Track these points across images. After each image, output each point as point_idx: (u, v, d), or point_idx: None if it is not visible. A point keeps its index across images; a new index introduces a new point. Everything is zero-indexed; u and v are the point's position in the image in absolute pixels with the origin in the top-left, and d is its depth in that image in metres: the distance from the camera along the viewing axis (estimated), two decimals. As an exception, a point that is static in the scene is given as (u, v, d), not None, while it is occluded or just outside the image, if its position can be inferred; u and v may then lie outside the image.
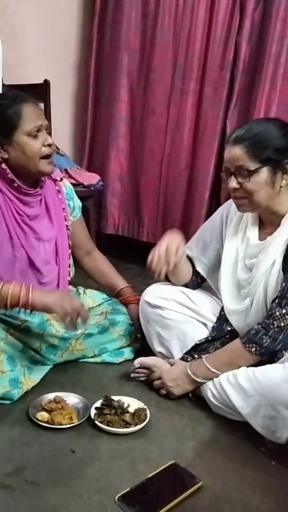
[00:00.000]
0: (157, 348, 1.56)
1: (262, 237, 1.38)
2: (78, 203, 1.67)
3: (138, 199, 2.63)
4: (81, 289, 1.75)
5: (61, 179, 1.60)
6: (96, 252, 1.78)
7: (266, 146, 1.25)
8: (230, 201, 1.46)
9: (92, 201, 2.52)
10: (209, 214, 2.37)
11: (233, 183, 1.29)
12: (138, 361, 1.45)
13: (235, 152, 1.27)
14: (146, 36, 2.42)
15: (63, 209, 1.57)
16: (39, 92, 2.31)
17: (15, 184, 1.38)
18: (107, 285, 1.76)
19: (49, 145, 1.37)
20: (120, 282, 1.75)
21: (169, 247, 1.38)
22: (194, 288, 1.60)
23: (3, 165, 1.36)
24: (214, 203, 2.38)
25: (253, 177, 1.26)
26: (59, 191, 1.56)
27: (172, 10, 2.32)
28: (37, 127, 1.34)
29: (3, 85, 2.28)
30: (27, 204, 1.43)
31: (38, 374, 1.46)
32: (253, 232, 1.39)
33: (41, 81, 2.35)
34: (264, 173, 1.27)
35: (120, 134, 2.58)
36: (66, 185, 1.62)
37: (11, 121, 1.32)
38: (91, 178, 2.47)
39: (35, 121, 1.34)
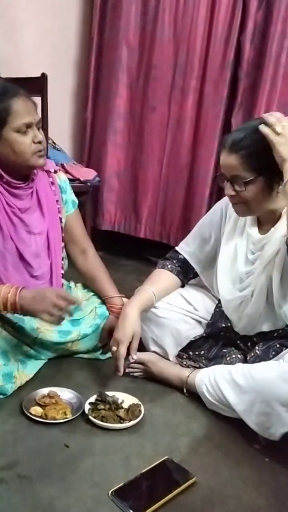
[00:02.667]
0: (152, 347, 1.55)
1: (262, 233, 1.37)
2: (71, 197, 1.63)
3: (136, 196, 2.62)
4: (72, 283, 1.73)
5: (56, 171, 1.56)
6: (91, 253, 1.68)
7: (264, 156, 1.21)
8: (227, 197, 1.46)
9: (88, 196, 2.51)
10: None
11: (229, 190, 1.28)
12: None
13: (231, 161, 1.24)
14: (146, 32, 2.42)
15: (57, 201, 1.53)
16: (36, 86, 2.29)
17: (4, 179, 1.36)
18: (97, 291, 1.69)
19: (39, 142, 1.33)
20: (110, 291, 1.65)
21: (119, 351, 1.35)
22: (186, 283, 1.61)
23: None
24: (214, 201, 2.38)
25: (249, 186, 1.24)
26: (52, 183, 1.53)
27: (173, 7, 2.32)
28: (27, 124, 1.30)
29: (0, 78, 2.27)
30: (17, 196, 1.40)
31: (32, 369, 1.45)
32: (254, 229, 1.38)
33: (39, 75, 2.34)
34: (261, 182, 1.24)
35: (117, 130, 2.57)
36: (61, 178, 1.58)
37: (0, 117, 1.28)
38: (88, 174, 2.46)
39: (24, 118, 1.29)
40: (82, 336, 1.56)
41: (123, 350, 1.35)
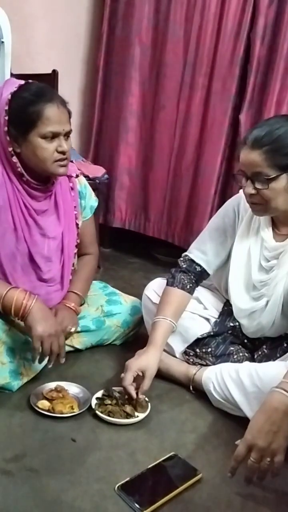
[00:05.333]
0: None
1: (277, 239, 1.35)
2: (91, 203, 1.61)
3: (146, 194, 2.62)
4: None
5: (77, 176, 1.55)
6: (88, 256, 1.64)
7: (287, 153, 1.20)
8: (238, 195, 1.44)
9: (97, 194, 2.51)
10: (213, 209, 2.37)
11: (249, 188, 1.24)
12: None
13: (253, 158, 1.21)
14: (158, 31, 2.42)
15: (75, 207, 1.52)
16: (47, 83, 2.27)
17: (24, 178, 1.35)
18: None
19: (63, 152, 1.31)
20: (74, 286, 1.54)
21: (125, 378, 1.27)
22: None
23: (14, 158, 1.32)
24: (220, 199, 2.37)
25: (272, 184, 1.21)
26: (72, 188, 1.52)
27: (184, 5, 2.32)
28: (54, 133, 1.29)
29: (12, 74, 2.28)
30: (34, 198, 1.39)
31: (38, 365, 1.45)
32: (268, 233, 1.35)
33: (50, 71, 2.34)
34: (284, 179, 1.22)
35: (130, 128, 2.57)
36: (82, 183, 1.57)
37: (30, 120, 1.27)
38: (97, 171, 2.46)
39: (53, 126, 1.28)
40: (82, 330, 1.57)
41: (128, 377, 1.27)
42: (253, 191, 1.24)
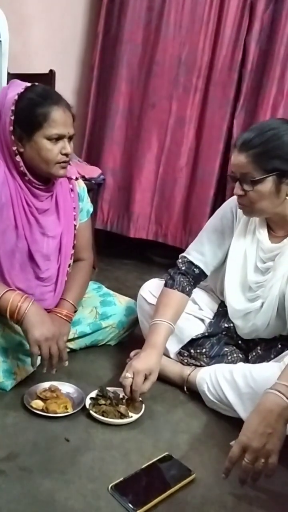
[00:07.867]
0: None
1: (272, 240, 1.35)
2: (87, 206, 1.62)
3: (130, 194, 2.56)
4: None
5: (77, 178, 1.56)
6: (83, 262, 1.62)
7: (274, 156, 1.21)
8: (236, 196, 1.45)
9: (92, 194, 2.51)
10: (214, 211, 2.38)
11: (237, 189, 1.27)
12: (134, 353, 1.45)
13: (240, 160, 1.24)
14: (150, 29, 2.39)
15: (74, 208, 1.53)
16: (44, 83, 2.27)
17: (26, 178, 1.36)
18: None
19: (66, 154, 1.33)
20: (68, 295, 1.52)
21: (137, 381, 1.25)
22: None
23: (17, 158, 1.32)
24: (220, 201, 2.37)
25: (257, 187, 1.23)
26: (72, 190, 1.53)
27: (179, 5, 2.30)
28: (59, 135, 1.30)
29: (8, 74, 2.27)
30: (37, 197, 1.40)
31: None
32: (264, 235, 1.36)
33: (47, 71, 2.34)
34: (269, 182, 1.23)
35: (115, 127, 2.53)
36: (80, 186, 1.59)
37: (36, 121, 1.28)
38: (92, 171, 2.46)
39: (59, 128, 1.30)
40: (79, 335, 1.58)
41: (139, 381, 1.25)
42: (240, 192, 1.27)
